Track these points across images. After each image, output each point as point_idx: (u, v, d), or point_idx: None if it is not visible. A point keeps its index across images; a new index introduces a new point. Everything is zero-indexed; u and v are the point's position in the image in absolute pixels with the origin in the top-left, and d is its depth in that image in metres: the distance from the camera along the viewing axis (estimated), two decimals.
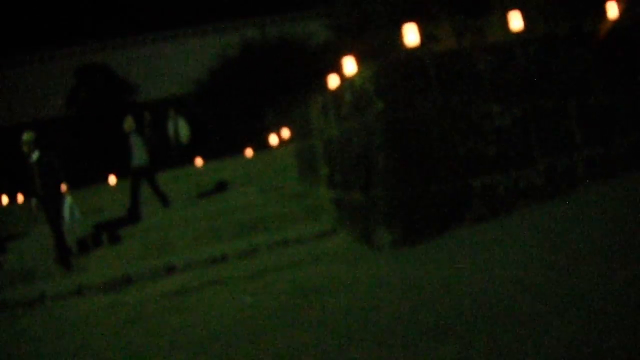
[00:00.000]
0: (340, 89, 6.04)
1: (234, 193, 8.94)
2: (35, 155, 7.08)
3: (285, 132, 15.09)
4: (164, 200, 8.89)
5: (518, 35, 5.79)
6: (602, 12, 6.54)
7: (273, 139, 15.97)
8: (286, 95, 18.95)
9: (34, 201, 7.19)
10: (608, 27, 6.00)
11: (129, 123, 8.74)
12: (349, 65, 7.03)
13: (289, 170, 9.98)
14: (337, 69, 8.90)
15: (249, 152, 18.08)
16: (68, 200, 7.67)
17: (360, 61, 7.36)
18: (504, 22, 9.45)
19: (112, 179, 15.52)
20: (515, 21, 5.71)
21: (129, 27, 27.63)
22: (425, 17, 7.70)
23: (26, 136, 7.17)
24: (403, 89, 4.89)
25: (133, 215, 8.25)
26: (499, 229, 4.79)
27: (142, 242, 6.93)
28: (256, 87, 21.35)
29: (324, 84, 8.10)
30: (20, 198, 13.79)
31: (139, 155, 8.55)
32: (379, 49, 9.54)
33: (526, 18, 7.63)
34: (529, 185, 5.19)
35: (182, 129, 15.25)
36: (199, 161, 16.94)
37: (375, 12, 10.61)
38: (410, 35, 5.46)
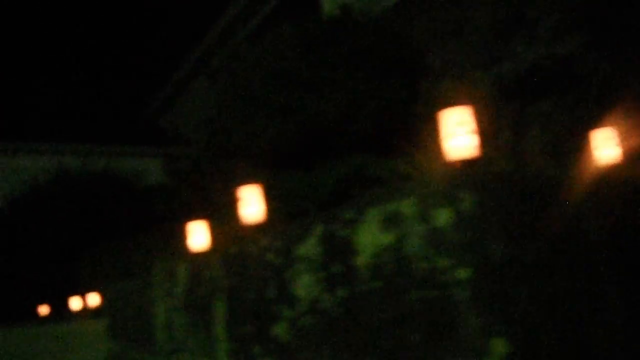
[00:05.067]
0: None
1: None
2: None
3: (94, 298, 11.35)
4: None
5: None
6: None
7: (76, 303, 12.09)
8: (104, 244, 15.55)
9: None
10: None
11: None
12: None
13: None
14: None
15: (43, 314, 14.04)
16: None
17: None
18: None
19: None
20: None
21: None
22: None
23: None
24: None
25: None
26: None
27: None
28: (67, 228, 17.78)
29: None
30: None
31: None
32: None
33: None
34: None
35: None
36: None
37: (232, 162, 8.17)
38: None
